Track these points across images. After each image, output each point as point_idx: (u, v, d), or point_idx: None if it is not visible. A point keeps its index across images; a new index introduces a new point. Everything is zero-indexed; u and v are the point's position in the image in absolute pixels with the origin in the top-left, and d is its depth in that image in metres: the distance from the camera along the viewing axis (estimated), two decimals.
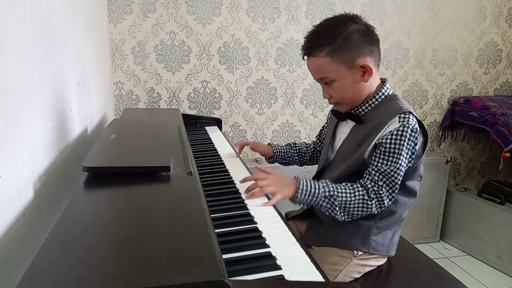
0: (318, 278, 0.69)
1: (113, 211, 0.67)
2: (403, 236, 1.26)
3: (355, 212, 1.00)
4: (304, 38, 1.06)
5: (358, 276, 1.09)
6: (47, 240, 0.54)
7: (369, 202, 0.99)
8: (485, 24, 2.48)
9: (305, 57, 1.07)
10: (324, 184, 1.01)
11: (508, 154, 2.09)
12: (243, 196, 1.00)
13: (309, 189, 0.99)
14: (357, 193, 1.00)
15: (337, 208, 1.00)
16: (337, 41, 0.99)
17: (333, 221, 1.07)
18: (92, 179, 0.77)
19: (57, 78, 0.99)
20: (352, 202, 0.99)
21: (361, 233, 1.06)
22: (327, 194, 0.99)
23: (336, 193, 0.99)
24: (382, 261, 1.12)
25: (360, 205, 0.99)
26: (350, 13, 1.04)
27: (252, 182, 1.02)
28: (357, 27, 1.01)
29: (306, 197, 0.99)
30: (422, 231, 2.45)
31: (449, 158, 2.41)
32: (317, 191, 0.99)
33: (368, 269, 1.10)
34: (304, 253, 0.76)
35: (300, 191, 0.99)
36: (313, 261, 0.73)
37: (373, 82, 1.06)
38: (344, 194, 0.99)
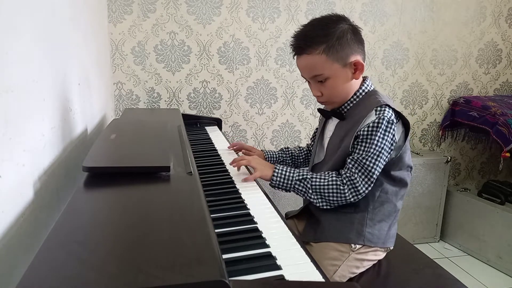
0: (318, 278, 0.69)
1: (113, 211, 0.67)
2: (403, 236, 1.26)
3: (331, 198, 1.05)
4: (293, 37, 1.09)
5: (357, 271, 1.09)
6: (47, 240, 0.54)
7: (341, 187, 1.03)
8: (485, 24, 2.48)
9: (295, 56, 1.10)
10: (300, 170, 1.10)
11: (508, 154, 2.09)
12: (240, 191, 1.03)
13: (284, 172, 1.09)
14: (329, 178, 1.06)
15: (310, 191, 1.06)
16: (332, 39, 1.03)
17: (329, 217, 1.10)
18: (92, 179, 0.77)
19: (57, 78, 0.99)
20: (325, 186, 1.05)
21: (356, 226, 1.08)
22: (300, 177, 1.08)
23: (309, 176, 1.08)
24: (380, 255, 1.12)
25: (334, 189, 1.04)
26: (336, 13, 1.09)
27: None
28: (348, 26, 1.06)
29: (282, 179, 1.09)
30: (422, 231, 2.45)
31: (449, 158, 2.41)
32: (291, 174, 1.09)
33: (366, 263, 1.10)
34: (304, 253, 0.76)
35: (276, 174, 1.09)
36: (313, 261, 0.74)
37: (359, 81, 1.11)
38: (317, 178, 1.07)
